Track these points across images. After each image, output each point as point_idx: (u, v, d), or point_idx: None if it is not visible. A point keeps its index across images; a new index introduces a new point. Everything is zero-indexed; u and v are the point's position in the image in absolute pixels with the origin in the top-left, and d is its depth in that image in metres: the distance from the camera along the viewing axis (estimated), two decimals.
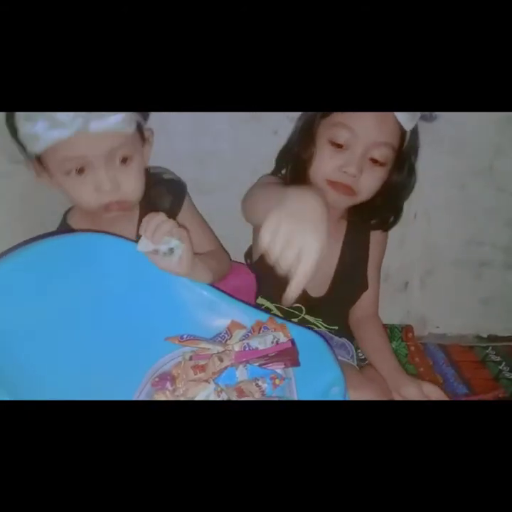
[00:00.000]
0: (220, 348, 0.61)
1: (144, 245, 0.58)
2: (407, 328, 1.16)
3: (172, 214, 0.73)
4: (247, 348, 0.61)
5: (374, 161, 0.73)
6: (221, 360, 0.56)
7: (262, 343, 0.60)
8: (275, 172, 0.85)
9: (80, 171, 0.61)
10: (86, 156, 0.60)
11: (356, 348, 0.95)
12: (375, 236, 0.89)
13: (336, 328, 0.90)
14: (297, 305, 0.87)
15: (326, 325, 0.89)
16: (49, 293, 0.53)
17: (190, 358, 0.59)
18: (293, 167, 0.80)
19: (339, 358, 0.74)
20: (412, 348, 1.14)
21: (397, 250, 1.12)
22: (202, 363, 0.57)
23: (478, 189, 1.06)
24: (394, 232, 1.10)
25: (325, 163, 0.74)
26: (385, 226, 0.87)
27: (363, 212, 0.82)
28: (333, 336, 0.90)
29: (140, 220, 0.63)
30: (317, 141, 0.75)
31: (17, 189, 0.70)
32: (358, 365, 0.91)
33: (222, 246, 0.86)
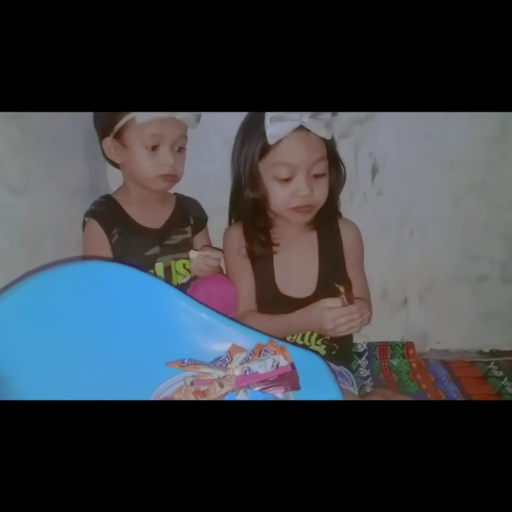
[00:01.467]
0: (221, 372, 0.61)
1: (194, 255, 0.87)
2: (408, 345, 1.16)
3: (199, 227, 0.99)
4: (247, 372, 0.61)
5: (317, 175, 0.86)
6: (221, 385, 0.56)
7: (263, 366, 0.61)
8: (237, 218, 0.97)
9: (154, 148, 0.85)
10: (165, 136, 0.84)
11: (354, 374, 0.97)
12: (346, 236, 0.96)
13: None
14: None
15: None
16: (55, 320, 0.55)
17: (192, 384, 0.60)
18: (254, 207, 0.91)
19: (340, 385, 0.75)
20: (414, 365, 1.14)
21: (393, 267, 1.13)
22: (203, 388, 0.58)
23: (473, 204, 1.07)
24: (390, 249, 1.12)
25: (281, 196, 0.86)
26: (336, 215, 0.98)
27: (322, 214, 0.92)
28: (331, 363, 0.91)
29: (173, 214, 0.96)
30: (264, 181, 0.87)
31: (19, 220, 0.72)
32: (359, 393, 0.92)
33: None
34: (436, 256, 1.12)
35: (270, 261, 0.93)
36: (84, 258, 0.86)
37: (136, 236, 0.90)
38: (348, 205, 1.03)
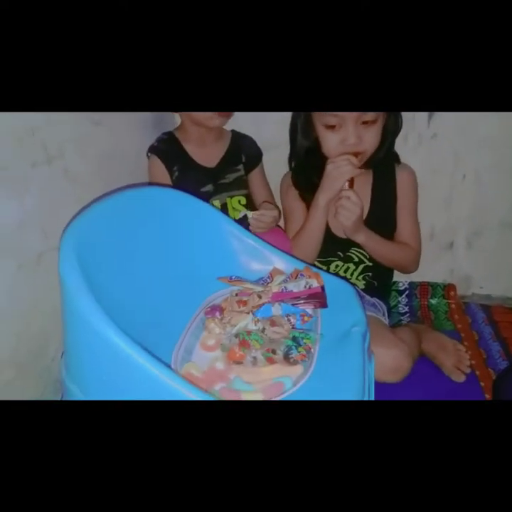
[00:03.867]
0: (261, 289, 0.72)
1: (249, 215, 0.88)
2: (450, 287, 1.20)
3: (252, 164, 1.03)
4: (283, 290, 0.71)
5: (366, 122, 0.86)
6: (260, 297, 0.68)
7: (297, 287, 0.71)
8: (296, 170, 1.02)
9: None
10: None
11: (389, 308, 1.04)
12: (402, 181, 0.99)
13: (371, 264, 0.99)
14: (338, 252, 0.97)
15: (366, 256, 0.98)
16: (124, 237, 0.65)
17: (236, 295, 0.71)
18: (306, 153, 0.96)
19: (369, 313, 0.82)
20: (453, 306, 1.18)
21: (443, 210, 1.14)
22: (245, 298, 0.69)
23: None
24: (442, 192, 1.12)
25: (330, 143, 0.89)
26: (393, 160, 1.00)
27: (377, 158, 0.94)
28: (365, 294, 0.98)
29: (227, 152, 1.00)
30: (316, 127, 0.91)
31: (98, 148, 0.84)
32: (390, 324, 0.98)
33: (276, 203, 1.05)
34: (488, 202, 1.10)
35: None
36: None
37: (193, 173, 0.97)
38: (402, 145, 1.03)
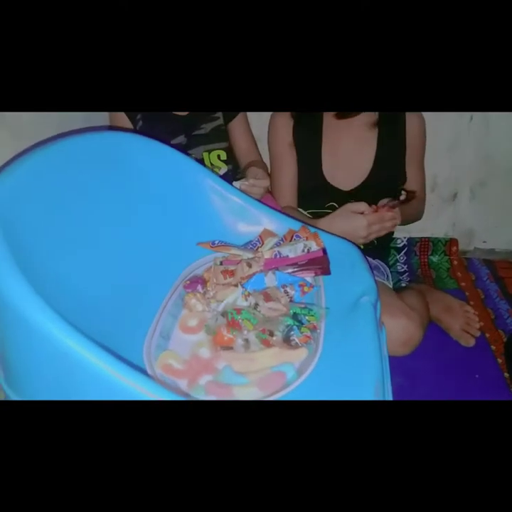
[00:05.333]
0: (251, 255, 0.61)
1: (237, 185, 0.75)
2: (452, 242, 1.12)
3: (229, 116, 0.89)
4: (277, 256, 0.60)
5: None
6: (250, 266, 0.56)
7: (293, 251, 0.60)
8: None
9: None
10: None
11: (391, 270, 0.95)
12: (412, 127, 0.90)
13: None
14: (331, 203, 0.86)
15: None
16: (75, 196, 0.52)
17: (221, 263, 0.60)
18: None
19: (375, 278, 0.74)
20: (455, 263, 1.11)
21: (447, 157, 1.05)
22: (231, 268, 0.58)
23: None
24: (446, 136, 1.02)
25: None
26: None
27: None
28: (367, 257, 0.89)
29: None
30: None
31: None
32: (393, 287, 0.91)
33: (262, 159, 0.93)
34: (497, 148, 1.01)
35: (318, 150, 0.88)
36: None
37: (160, 123, 0.83)
38: None
